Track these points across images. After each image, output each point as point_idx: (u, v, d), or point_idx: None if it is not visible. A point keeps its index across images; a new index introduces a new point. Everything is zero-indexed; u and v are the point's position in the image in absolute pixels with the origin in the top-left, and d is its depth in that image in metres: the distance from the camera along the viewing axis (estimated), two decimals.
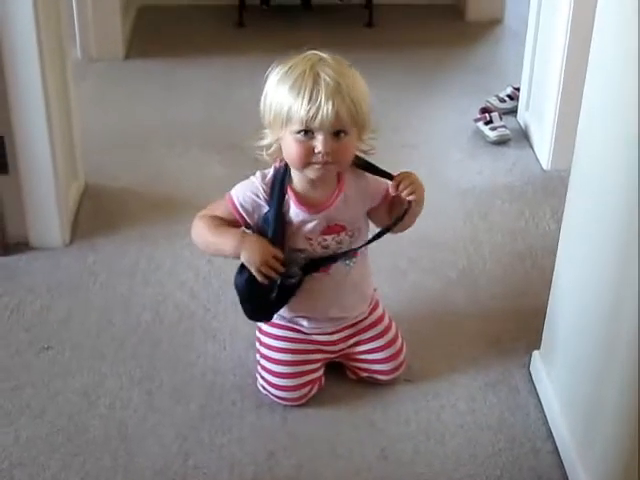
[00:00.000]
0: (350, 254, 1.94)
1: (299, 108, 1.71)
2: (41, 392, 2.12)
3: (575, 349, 1.95)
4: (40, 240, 2.64)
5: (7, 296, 2.44)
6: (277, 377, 2.02)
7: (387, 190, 1.88)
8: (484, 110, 3.43)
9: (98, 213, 2.85)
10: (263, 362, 2.05)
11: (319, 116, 1.70)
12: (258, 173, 1.90)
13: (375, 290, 2.13)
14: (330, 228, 1.90)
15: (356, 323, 2.06)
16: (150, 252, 2.65)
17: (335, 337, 2.05)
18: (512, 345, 2.29)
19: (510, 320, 2.37)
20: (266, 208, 1.88)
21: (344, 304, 2.02)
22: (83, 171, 2.95)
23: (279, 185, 1.86)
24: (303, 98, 1.70)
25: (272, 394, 2.04)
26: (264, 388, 2.06)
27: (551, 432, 2.01)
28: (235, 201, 1.90)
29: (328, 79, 1.71)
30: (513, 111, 3.55)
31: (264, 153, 1.86)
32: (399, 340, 2.11)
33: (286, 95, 1.73)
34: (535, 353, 2.18)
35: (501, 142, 3.32)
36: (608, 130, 1.77)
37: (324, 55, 1.77)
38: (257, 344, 2.10)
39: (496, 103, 3.55)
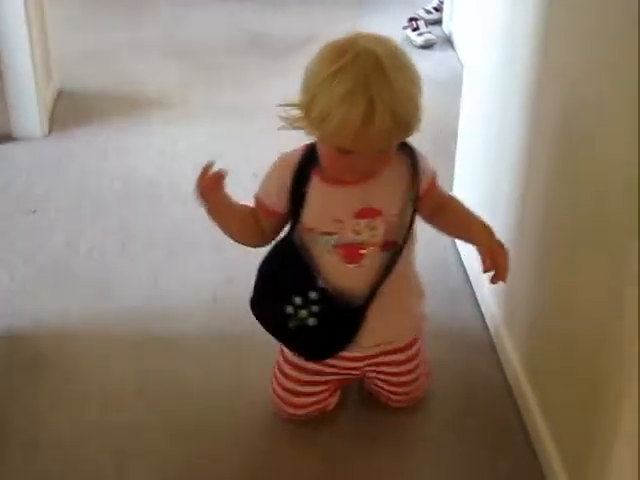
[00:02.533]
0: (389, 247, 1.57)
1: (347, 132, 1.36)
2: (30, 243, 2.38)
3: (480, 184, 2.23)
4: (22, 131, 2.89)
5: None
6: (284, 391, 1.75)
7: (431, 183, 1.62)
8: (412, 19, 3.69)
9: (72, 110, 3.11)
10: (276, 371, 1.77)
11: (369, 144, 1.39)
12: (281, 164, 1.57)
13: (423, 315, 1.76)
14: (364, 211, 1.53)
15: (390, 353, 1.71)
16: (119, 138, 2.94)
17: (362, 364, 1.71)
18: None
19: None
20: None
21: (387, 323, 1.65)
22: (58, 75, 3.20)
23: (302, 172, 1.53)
24: (357, 124, 1.35)
25: (276, 402, 1.78)
26: (274, 392, 1.78)
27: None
28: (263, 200, 1.60)
29: (383, 105, 1.35)
30: (438, 21, 3.82)
31: (288, 124, 1.47)
32: (420, 380, 1.79)
33: (335, 106, 1.36)
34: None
35: (427, 46, 3.60)
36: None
37: (378, 51, 1.38)
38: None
39: (423, 14, 3.82)
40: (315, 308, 1.57)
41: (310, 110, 1.41)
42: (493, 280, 1.56)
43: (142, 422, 1.83)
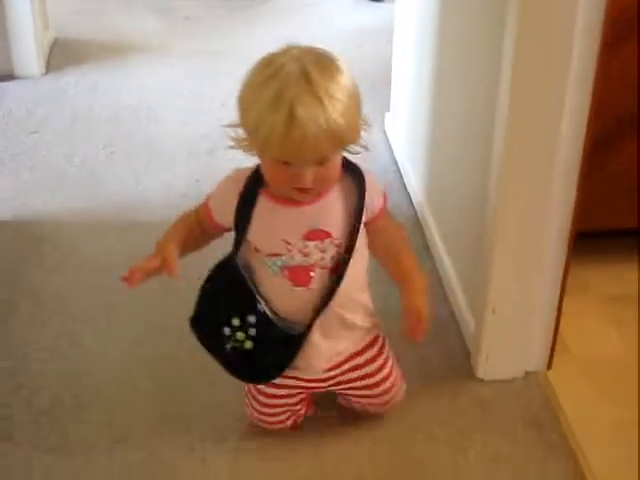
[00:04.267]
0: (338, 270, 1.49)
1: (275, 141, 1.31)
2: (32, 156, 2.77)
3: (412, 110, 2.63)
4: (23, 71, 3.27)
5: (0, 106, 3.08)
6: (256, 402, 1.68)
7: (378, 214, 1.55)
8: None
9: (65, 55, 3.50)
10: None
11: (297, 152, 1.33)
12: (231, 179, 1.52)
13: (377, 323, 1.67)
14: (314, 233, 1.46)
15: (350, 359, 1.63)
16: (106, 76, 3.32)
17: (324, 376, 1.63)
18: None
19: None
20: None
21: (337, 344, 1.59)
22: (53, 26, 3.59)
23: (251, 189, 1.47)
24: (280, 131, 1.30)
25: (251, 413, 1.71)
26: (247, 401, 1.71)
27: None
28: (211, 208, 1.55)
29: (306, 112, 1.29)
30: None
31: (238, 145, 1.45)
32: (392, 375, 1.69)
33: (261, 120, 1.32)
34: (386, 114, 2.85)
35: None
36: None
37: (307, 63, 1.33)
38: None
39: None
40: (252, 331, 1.51)
41: (245, 123, 1.38)
42: (409, 337, 1.54)
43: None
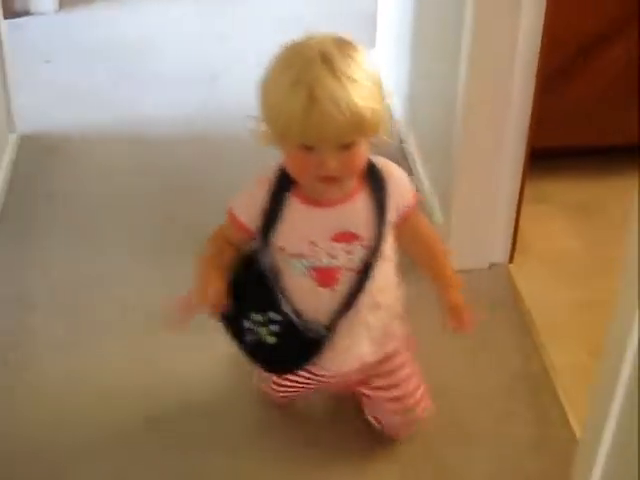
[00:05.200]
0: (364, 271, 1.45)
1: (295, 125, 1.27)
2: (47, 78, 3.01)
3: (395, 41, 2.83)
4: (37, 8, 3.45)
5: (16, 37, 3.26)
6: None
7: (405, 214, 1.49)
8: None
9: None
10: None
11: (319, 135, 1.27)
12: (257, 181, 1.45)
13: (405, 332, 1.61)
14: (342, 235, 1.41)
15: (372, 365, 1.57)
16: (116, 13, 3.50)
17: (342, 373, 1.59)
18: None
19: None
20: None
21: (359, 346, 1.53)
22: None
23: (279, 189, 1.42)
24: (299, 113, 1.26)
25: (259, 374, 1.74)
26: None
27: None
28: (236, 213, 1.47)
29: (325, 92, 1.25)
30: None
31: (261, 140, 1.38)
32: (416, 392, 1.62)
33: (281, 105, 1.28)
34: (372, 51, 3.05)
35: None
36: None
37: (328, 47, 1.29)
38: None
39: None
40: (275, 327, 1.47)
41: (266, 111, 1.33)
42: (457, 332, 1.53)
43: (133, 184, 2.48)
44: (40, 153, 2.60)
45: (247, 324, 1.48)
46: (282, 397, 1.72)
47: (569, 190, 2.36)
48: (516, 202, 2.09)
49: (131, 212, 2.36)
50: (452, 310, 1.51)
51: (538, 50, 1.87)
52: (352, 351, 1.52)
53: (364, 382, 1.61)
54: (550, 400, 1.79)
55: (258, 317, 1.47)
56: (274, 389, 1.69)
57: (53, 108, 2.81)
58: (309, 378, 1.59)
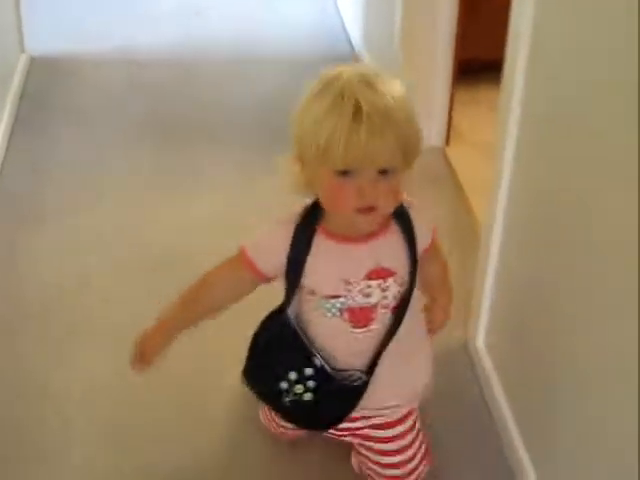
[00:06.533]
0: (398, 309, 1.35)
1: (337, 144, 1.16)
2: (55, 11, 3.38)
3: None
4: None
5: None
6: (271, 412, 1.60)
7: (432, 240, 1.40)
8: None
9: None
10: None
11: (364, 154, 1.16)
12: (278, 222, 1.32)
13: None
14: (376, 272, 1.30)
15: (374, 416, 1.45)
16: None
17: (345, 432, 1.48)
18: None
19: None
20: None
21: (390, 385, 1.42)
22: None
23: (307, 226, 1.29)
24: (342, 132, 1.15)
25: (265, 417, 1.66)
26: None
27: None
28: (250, 257, 1.33)
29: (374, 106, 1.16)
30: None
31: (292, 186, 1.27)
32: (417, 457, 1.48)
33: (320, 126, 1.17)
34: None
35: None
36: None
37: (366, 72, 1.21)
38: None
39: None
40: (311, 384, 1.36)
41: (301, 139, 1.21)
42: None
43: (126, 96, 2.90)
44: (48, 72, 3.01)
45: (284, 385, 1.37)
46: (284, 434, 1.64)
47: (497, 95, 2.77)
48: (449, 100, 2.57)
49: (123, 114, 2.80)
50: (434, 327, 1.49)
51: None
52: (392, 386, 1.41)
53: (364, 438, 1.47)
54: (471, 236, 2.18)
55: (293, 375, 1.36)
56: (275, 428, 1.62)
57: (60, 37, 3.23)
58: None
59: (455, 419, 1.71)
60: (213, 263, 1.33)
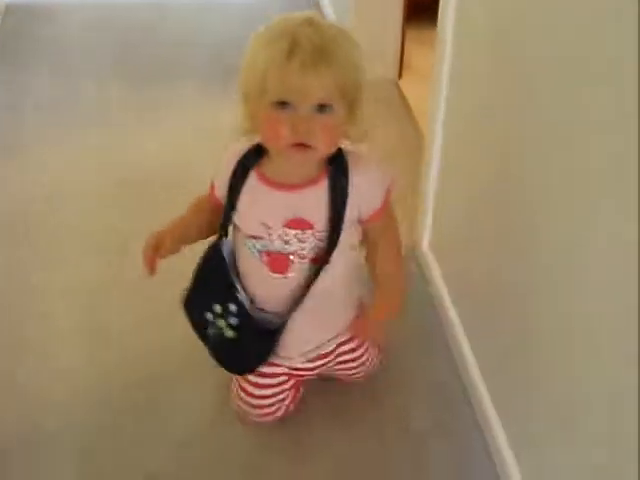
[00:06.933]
0: (319, 262, 1.36)
1: (272, 75, 1.18)
2: None
3: None
4: None
5: None
6: (244, 393, 1.56)
7: (379, 209, 1.36)
8: None
9: None
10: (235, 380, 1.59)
11: (298, 85, 1.18)
12: (228, 153, 1.37)
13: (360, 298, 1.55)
14: (295, 221, 1.33)
15: (334, 350, 1.54)
16: None
17: (311, 365, 1.55)
18: None
19: None
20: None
21: (320, 333, 1.50)
22: None
23: (243, 166, 1.34)
24: (280, 63, 1.17)
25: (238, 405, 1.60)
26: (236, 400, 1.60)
27: None
28: (214, 184, 1.41)
29: (311, 42, 1.18)
30: None
31: (241, 134, 1.32)
32: (371, 356, 1.62)
33: (260, 60, 1.20)
34: None
35: None
36: None
37: (314, 16, 1.23)
38: None
39: None
40: (233, 320, 1.41)
41: (243, 75, 1.24)
42: (354, 330, 1.53)
43: (99, 36, 3.11)
44: (26, 16, 3.20)
45: (209, 316, 1.42)
46: (263, 415, 1.58)
47: None
48: (401, 36, 2.81)
49: (94, 54, 2.99)
50: (366, 321, 1.50)
51: None
52: (310, 338, 1.48)
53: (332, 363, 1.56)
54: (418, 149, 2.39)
55: (218, 308, 1.41)
56: (251, 412, 1.58)
57: None
58: (281, 375, 1.53)
59: (404, 323, 1.77)
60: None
